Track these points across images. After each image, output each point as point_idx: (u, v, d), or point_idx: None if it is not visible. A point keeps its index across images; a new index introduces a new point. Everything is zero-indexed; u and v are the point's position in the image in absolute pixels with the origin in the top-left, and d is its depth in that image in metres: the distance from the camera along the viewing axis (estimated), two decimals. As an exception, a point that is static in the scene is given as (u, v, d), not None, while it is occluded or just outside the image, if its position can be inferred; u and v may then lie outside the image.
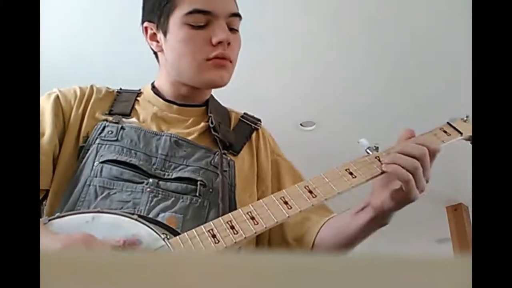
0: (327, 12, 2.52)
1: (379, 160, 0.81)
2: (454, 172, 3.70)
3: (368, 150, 0.84)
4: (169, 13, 0.89)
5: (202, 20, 0.87)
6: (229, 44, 0.88)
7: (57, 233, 0.68)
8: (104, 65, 2.81)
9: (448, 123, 0.91)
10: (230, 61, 0.90)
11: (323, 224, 0.90)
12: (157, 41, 0.94)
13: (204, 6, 0.87)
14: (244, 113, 1.04)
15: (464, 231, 4.45)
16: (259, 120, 1.03)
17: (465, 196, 4.42)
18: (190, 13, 0.87)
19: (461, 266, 0.22)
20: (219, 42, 0.87)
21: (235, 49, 0.92)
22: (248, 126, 1.01)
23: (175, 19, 0.89)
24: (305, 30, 2.64)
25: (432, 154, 0.78)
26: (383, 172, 0.79)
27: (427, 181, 0.77)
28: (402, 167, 0.75)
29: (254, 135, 1.00)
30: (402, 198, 0.77)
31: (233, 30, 0.91)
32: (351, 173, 0.80)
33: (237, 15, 0.91)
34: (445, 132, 0.89)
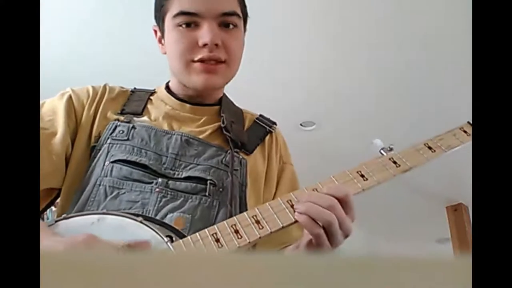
0: (327, 12, 2.52)
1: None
2: (454, 172, 3.70)
3: (382, 151, 0.82)
4: (164, 16, 0.91)
5: (189, 21, 0.87)
6: (217, 45, 0.86)
7: (60, 235, 0.68)
8: (104, 65, 2.81)
9: (468, 122, 0.87)
10: (223, 61, 0.88)
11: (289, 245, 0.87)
12: (162, 44, 0.95)
13: (190, 8, 0.86)
14: (260, 115, 1.04)
15: (464, 231, 4.46)
16: (275, 123, 1.02)
17: (465, 196, 4.43)
18: (177, 15, 0.87)
19: (461, 266, 0.22)
20: (205, 44, 0.86)
21: (232, 47, 0.89)
22: (263, 128, 1.00)
23: (168, 22, 0.90)
24: (306, 30, 2.64)
25: (344, 202, 0.69)
26: (295, 221, 0.72)
27: (346, 236, 0.70)
28: (313, 219, 0.68)
29: (267, 138, 0.99)
30: (314, 251, 0.71)
31: (228, 28, 0.89)
32: (362, 176, 0.78)
33: (230, 13, 0.88)
34: (465, 132, 0.85)
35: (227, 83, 0.95)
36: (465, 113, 0.88)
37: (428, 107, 3.22)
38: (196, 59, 0.87)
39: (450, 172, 3.74)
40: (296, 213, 0.71)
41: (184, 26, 0.87)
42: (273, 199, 0.93)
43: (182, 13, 0.87)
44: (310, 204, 0.69)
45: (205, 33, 0.86)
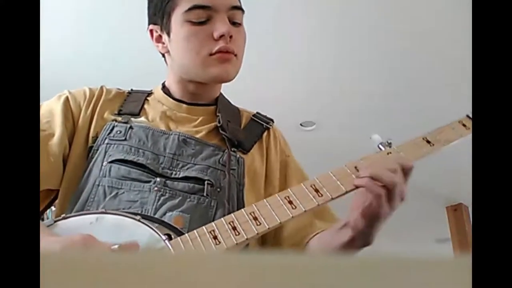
0: (327, 12, 2.52)
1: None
2: (454, 172, 3.69)
3: (380, 146, 0.81)
4: (171, 12, 0.90)
5: (202, 15, 0.88)
6: (231, 37, 0.88)
7: (58, 235, 0.68)
8: (104, 65, 2.81)
9: (467, 116, 0.86)
10: (235, 55, 0.89)
11: (315, 235, 0.88)
12: (163, 43, 0.94)
13: (203, 2, 0.87)
14: (257, 113, 1.04)
15: (464, 231, 4.46)
16: (272, 120, 1.02)
17: (465, 196, 4.43)
18: (190, 9, 0.87)
19: (461, 266, 0.22)
20: (221, 36, 0.87)
21: (239, 42, 0.91)
22: (260, 125, 1.00)
23: (177, 18, 0.89)
24: (305, 30, 2.64)
25: (406, 172, 0.74)
26: (356, 187, 0.74)
27: (402, 199, 0.74)
28: (376, 181, 0.72)
29: (265, 134, 0.99)
30: (371, 214, 0.73)
31: (235, 23, 0.90)
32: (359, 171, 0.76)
33: (238, 8, 0.91)
34: (464, 125, 0.84)
35: (235, 77, 0.94)
36: (465, 110, 0.87)
37: (428, 106, 3.22)
38: (213, 51, 0.87)
39: (450, 172, 3.74)
40: (356, 179, 0.75)
41: (195, 22, 0.88)
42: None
43: (196, 7, 0.87)
44: (375, 167, 0.74)
45: (220, 25, 0.87)
